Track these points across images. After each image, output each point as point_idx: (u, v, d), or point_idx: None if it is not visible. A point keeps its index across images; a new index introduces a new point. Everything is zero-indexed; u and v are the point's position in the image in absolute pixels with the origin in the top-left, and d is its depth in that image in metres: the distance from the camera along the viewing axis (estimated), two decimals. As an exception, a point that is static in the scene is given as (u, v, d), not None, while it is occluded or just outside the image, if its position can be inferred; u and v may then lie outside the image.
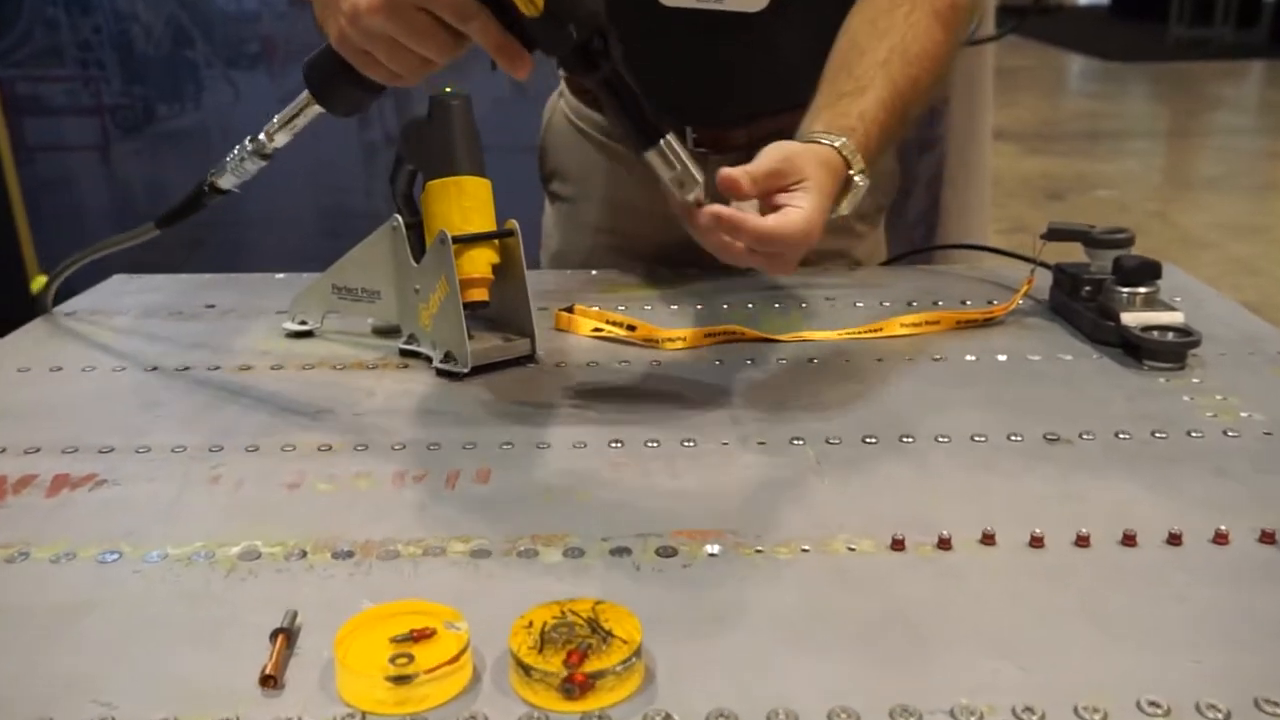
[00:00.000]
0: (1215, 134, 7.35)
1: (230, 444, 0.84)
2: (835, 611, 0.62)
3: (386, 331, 1.08)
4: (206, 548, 0.69)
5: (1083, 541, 0.69)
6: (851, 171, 0.90)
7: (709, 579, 0.66)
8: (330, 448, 0.84)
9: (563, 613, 0.59)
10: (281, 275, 1.27)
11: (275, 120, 0.93)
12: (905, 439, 0.83)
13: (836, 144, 0.90)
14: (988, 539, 0.69)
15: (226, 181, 0.97)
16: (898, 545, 0.68)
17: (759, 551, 0.68)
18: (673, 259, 1.33)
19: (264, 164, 0.95)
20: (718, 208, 0.80)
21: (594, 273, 1.30)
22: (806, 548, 0.69)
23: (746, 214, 0.79)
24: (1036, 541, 0.68)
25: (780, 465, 0.80)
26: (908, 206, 2.68)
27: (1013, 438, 0.83)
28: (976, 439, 0.83)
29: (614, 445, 0.83)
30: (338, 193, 3.03)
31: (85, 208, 3.13)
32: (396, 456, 0.82)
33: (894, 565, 0.67)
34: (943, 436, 0.83)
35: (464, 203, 0.97)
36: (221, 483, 0.78)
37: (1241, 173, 5.99)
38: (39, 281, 1.22)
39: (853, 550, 0.68)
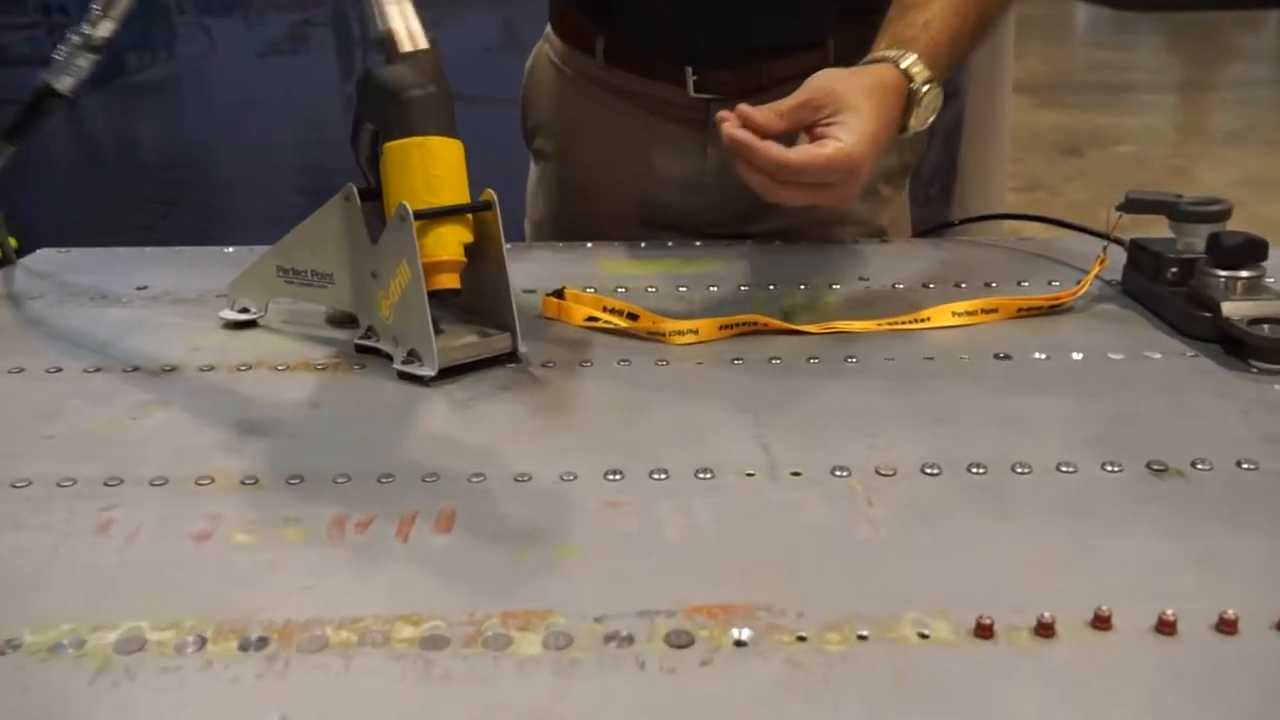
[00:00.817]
0: (1234, 86, 7.10)
1: (132, 475, 0.67)
2: (909, 736, 0.46)
3: (343, 321, 0.91)
4: (76, 632, 0.53)
5: (1228, 626, 0.52)
6: (914, 85, 0.85)
7: (737, 684, 0.49)
8: (256, 481, 0.67)
9: (538, 753, 0.43)
10: (231, 250, 1.10)
11: (96, 6, 0.84)
12: (975, 469, 0.67)
13: (894, 58, 0.84)
14: (1101, 622, 0.52)
15: (63, 84, 0.87)
16: (984, 631, 0.52)
17: (801, 640, 0.52)
18: (679, 225, 1.15)
19: (97, 58, 0.86)
20: (733, 129, 0.78)
21: (589, 245, 1.13)
22: (864, 633, 0.52)
23: (764, 142, 0.78)
24: (1166, 626, 0.52)
25: (821, 506, 0.63)
26: (923, 161, 2.50)
27: (1109, 468, 0.67)
28: (1064, 469, 0.67)
29: (611, 477, 0.67)
30: (322, 148, 2.85)
31: (51, 165, 2.95)
32: (338, 494, 0.65)
33: (984, 661, 0.50)
34: (1022, 466, 0.67)
35: (430, 170, 0.80)
36: (112, 532, 0.61)
37: (1263, 126, 5.77)
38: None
39: (925, 637, 0.52)
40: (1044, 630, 0.52)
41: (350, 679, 0.50)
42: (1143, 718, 0.47)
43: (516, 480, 0.67)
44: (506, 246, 0.83)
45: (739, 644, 0.52)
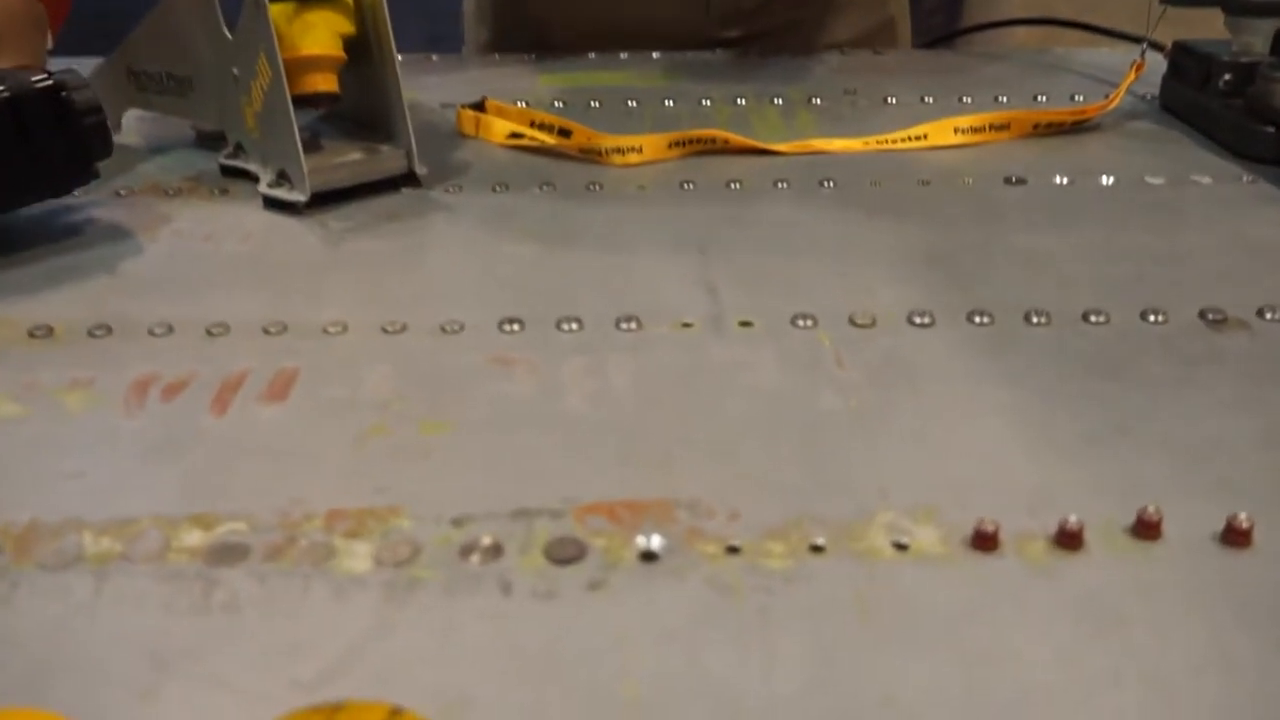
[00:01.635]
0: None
1: (-112, 325, 0.52)
2: (886, 696, 0.32)
3: (215, 138, 0.75)
4: None
5: (1321, 534, 0.38)
6: None
7: (636, 617, 0.35)
8: (49, 332, 0.52)
9: (320, 736, 0.29)
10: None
11: None
12: (978, 319, 0.52)
13: None
14: (1146, 529, 0.38)
15: None
16: (985, 541, 0.37)
17: (733, 552, 0.38)
18: (647, 33, 0.98)
19: None
20: None
21: (531, 57, 0.96)
22: (820, 543, 0.38)
23: None
24: (1237, 535, 0.38)
25: (776, 367, 0.48)
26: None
27: (1151, 318, 0.52)
28: (1093, 319, 0.51)
29: (508, 328, 0.51)
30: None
31: None
32: (151, 349, 0.50)
33: (983, 584, 0.36)
34: (1038, 315, 0.52)
35: (293, -66, 0.63)
36: None
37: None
38: None
39: (904, 549, 0.38)
40: (1067, 540, 0.37)
41: (97, 610, 0.36)
42: (1202, 661, 0.33)
43: (385, 331, 0.51)
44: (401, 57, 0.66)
45: (646, 557, 0.37)
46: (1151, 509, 0.38)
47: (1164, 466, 0.42)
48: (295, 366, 0.49)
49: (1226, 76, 0.74)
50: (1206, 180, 0.67)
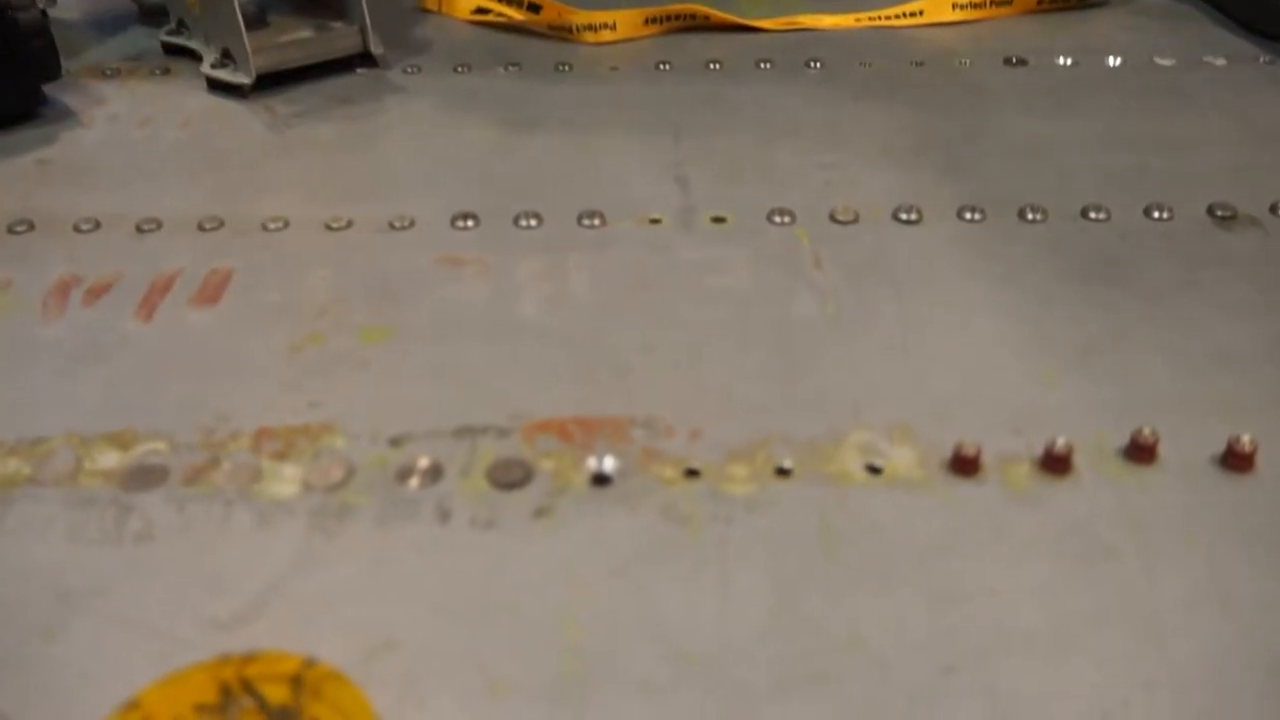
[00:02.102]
0: None
1: None
2: (850, 639, 0.30)
3: (156, 13, 0.69)
4: None
5: (1330, 457, 0.35)
6: None
7: (583, 550, 0.32)
8: (-34, 228, 0.48)
9: (226, 691, 0.26)
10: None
11: None
12: (969, 215, 0.48)
13: None
14: (1141, 452, 0.35)
15: None
16: (966, 464, 0.35)
17: (692, 476, 0.35)
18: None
19: None
20: None
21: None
22: (786, 465, 0.35)
23: None
24: (1238, 459, 0.35)
25: (749, 268, 0.45)
26: None
27: (1155, 214, 0.48)
28: (1093, 215, 0.48)
29: (461, 224, 0.48)
30: None
31: None
32: (76, 246, 0.47)
33: (963, 511, 0.33)
34: (1034, 211, 0.48)
35: None
36: None
37: None
38: None
39: (877, 472, 0.35)
40: (1054, 464, 0.35)
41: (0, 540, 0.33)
42: (1195, 598, 0.31)
43: (328, 228, 0.48)
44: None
45: (598, 480, 0.35)
46: (1147, 431, 0.35)
47: (1163, 381, 0.38)
48: (230, 267, 0.45)
49: (1247, -54, 0.68)
50: (1220, 62, 0.63)
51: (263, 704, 0.26)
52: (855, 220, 0.47)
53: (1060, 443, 0.34)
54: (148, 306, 0.43)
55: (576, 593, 0.31)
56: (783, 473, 0.35)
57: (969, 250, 0.46)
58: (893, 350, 0.40)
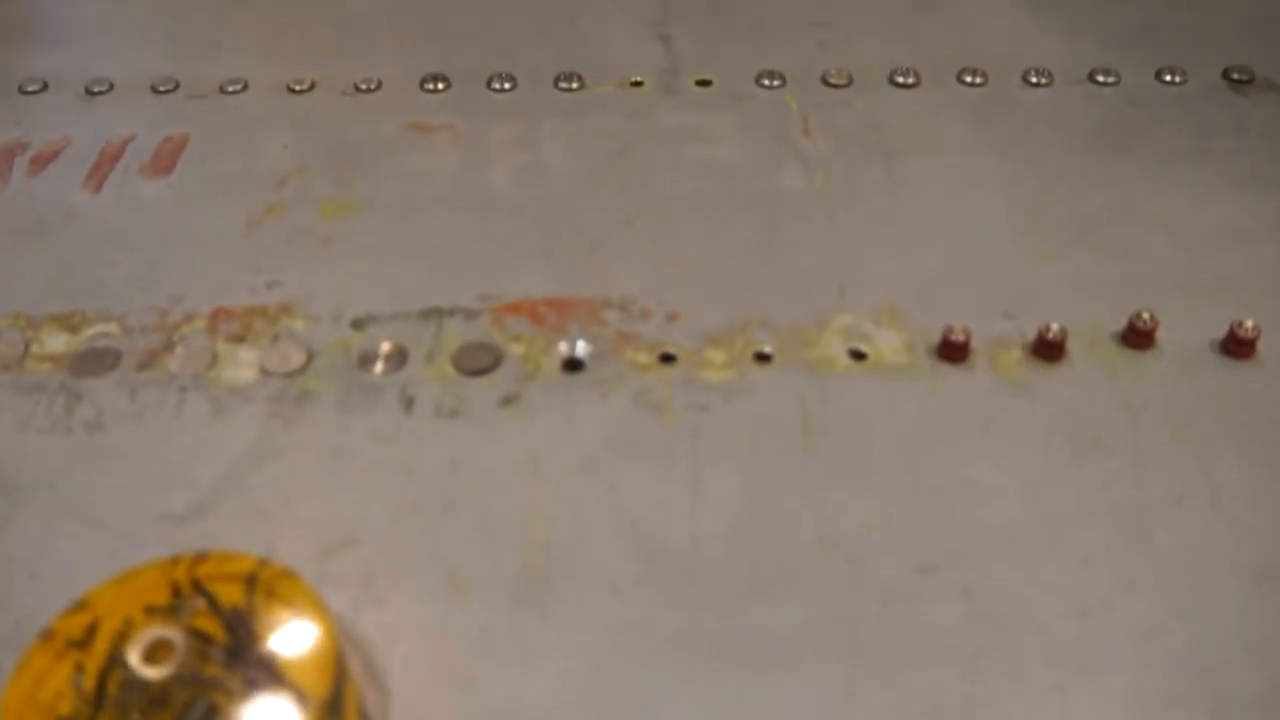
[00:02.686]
0: None
1: None
2: (826, 537, 0.29)
3: None
4: None
5: (1335, 343, 0.33)
6: None
7: (553, 439, 0.31)
8: (-95, 88, 0.45)
9: (177, 592, 0.25)
10: None
11: None
12: (969, 78, 0.45)
13: None
14: (1139, 337, 0.33)
15: None
16: (954, 350, 0.33)
17: (667, 361, 0.33)
18: None
19: None
20: None
21: None
22: (766, 351, 0.33)
23: None
24: (1239, 345, 0.33)
25: (735, 134, 0.42)
26: None
27: (1168, 76, 0.45)
28: (1100, 79, 0.45)
29: (430, 87, 0.45)
30: None
31: None
32: (22, 109, 0.44)
33: (950, 399, 0.32)
34: (1038, 74, 0.45)
35: None
36: None
37: None
38: None
39: (861, 358, 0.33)
40: (1047, 350, 0.33)
41: (-66, 427, 0.31)
42: (1184, 491, 0.30)
43: (290, 90, 0.45)
44: None
45: (570, 366, 0.33)
46: (1146, 315, 0.33)
47: (1165, 259, 0.37)
48: (185, 133, 0.43)
49: None
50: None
51: (215, 605, 0.25)
52: (849, 84, 0.45)
53: (1054, 328, 0.33)
54: (97, 177, 0.40)
55: (544, 486, 0.30)
56: (762, 358, 0.33)
57: (967, 116, 0.43)
58: (882, 226, 0.38)
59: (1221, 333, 0.33)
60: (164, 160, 0.41)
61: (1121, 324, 0.34)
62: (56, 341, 0.34)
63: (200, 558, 0.26)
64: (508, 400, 0.32)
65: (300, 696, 0.23)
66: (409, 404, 0.32)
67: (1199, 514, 0.29)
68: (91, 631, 0.24)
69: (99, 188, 0.40)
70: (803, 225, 0.38)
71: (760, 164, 0.41)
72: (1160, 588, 0.27)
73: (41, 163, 0.41)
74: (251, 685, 0.23)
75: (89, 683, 0.23)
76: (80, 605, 0.25)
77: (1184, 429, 0.31)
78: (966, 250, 0.37)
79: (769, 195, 0.39)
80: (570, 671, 0.26)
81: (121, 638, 0.24)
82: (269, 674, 0.24)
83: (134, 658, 0.24)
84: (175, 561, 0.26)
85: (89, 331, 0.34)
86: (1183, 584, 0.27)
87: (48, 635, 0.24)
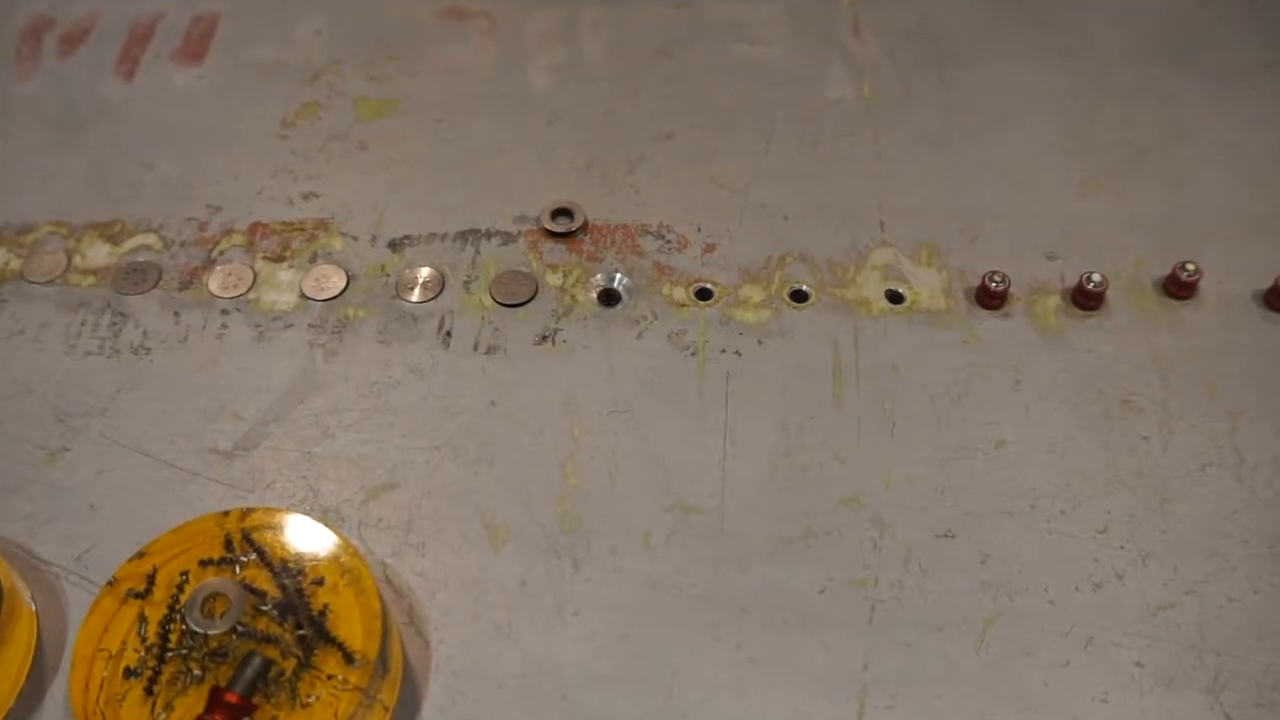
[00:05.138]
0: None
1: None
2: (850, 495, 0.29)
3: None
4: None
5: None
6: None
7: (588, 382, 0.31)
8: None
9: (229, 545, 0.26)
10: None
11: None
12: (1033, -31, 0.43)
13: None
14: (1181, 287, 0.33)
15: None
16: (992, 297, 0.33)
17: (703, 298, 0.33)
18: None
19: None
20: None
21: None
22: (804, 288, 0.33)
23: None
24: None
25: (781, 29, 0.41)
26: None
27: (1245, -26, 0.42)
28: (1173, -26, 0.42)
29: (467, -37, 0.43)
30: None
31: None
32: (43, -21, 0.43)
33: (980, 355, 0.32)
34: (1108, -34, 0.42)
35: None
36: None
37: None
38: None
39: (898, 300, 0.33)
40: (1087, 299, 0.33)
41: (-7, 345, 0.32)
42: (1210, 460, 0.30)
43: (321, -37, 0.43)
44: None
45: (606, 299, 0.33)
46: (1190, 267, 0.33)
47: (1217, 193, 0.36)
48: (215, 12, 0.41)
49: None
50: None
51: (266, 560, 0.26)
52: (905, -27, 0.42)
53: (1095, 278, 0.32)
54: (128, 61, 0.39)
55: (578, 431, 0.30)
56: (799, 297, 0.33)
57: (1025, 17, 0.41)
58: (929, 149, 0.37)
59: (1266, 283, 0.33)
60: (195, 45, 0.40)
61: (1165, 269, 0.33)
62: (98, 254, 0.34)
63: (248, 511, 0.27)
64: (544, 337, 0.32)
65: (349, 654, 0.25)
66: (447, 338, 0.32)
67: (1221, 483, 0.29)
68: (151, 582, 0.26)
69: (131, 74, 0.39)
70: (847, 143, 0.37)
71: (806, 69, 0.39)
72: (1174, 562, 0.28)
73: (71, 43, 0.40)
74: (304, 642, 0.25)
75: (151, 633, 0.25)
76: (140, 555, 0.26)
77: (1216, 388, 0.31)
78: (1013, 180, 0.36)
79: (814, 108, 0.38)
80: (602, 625, 0.27)
81: (180, 590, 0.26)
82: (319, 631, 0.25)
83: (193, 611, 0.25)
84: (226, 514, 0.27)
85: (129, 243, 0.34)
86: (1197, 558, 0.28)
87: (112, 584, 0.26)
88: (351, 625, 0.25)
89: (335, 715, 0.24)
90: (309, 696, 0.24)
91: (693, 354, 0.32)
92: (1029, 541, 0.28)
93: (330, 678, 0.24)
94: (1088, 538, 0.28)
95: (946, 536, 0.28)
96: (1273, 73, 0.39)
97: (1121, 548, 0.28)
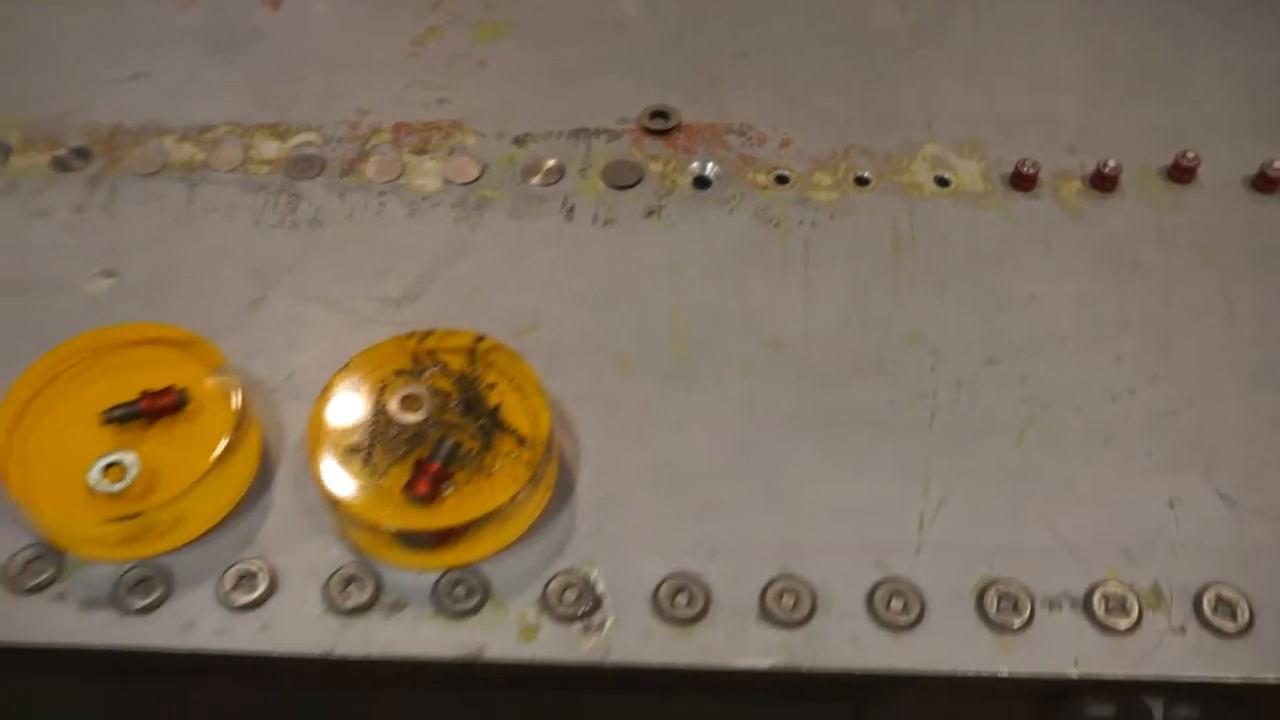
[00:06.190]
0: None
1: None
2: (912, 333, 0.36)
3: None
4: None
5: None
6: None
7: (690, 248, 0.38)
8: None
9: (416, 359, 0.33)
10: None
11: None
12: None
13: None
14: (1182, 172, 0.39)
15: None
16: (1024, 181, 0.39)
17: (782, 182, 0.39)
18: None
19: None
20: None
21: None
22: (865, 175, 0.40)
23: None
24: (1269, 181, 0.39)
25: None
26: None
27: (1238, -80, 0.49)
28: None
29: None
30: None
31: None
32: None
33: (1015, 227, 0.38)
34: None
35: None
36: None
37: None
38: None
39: (945, 184, 0.39)
40: (1102, 182, 0.39)
41: (192, 219, 0.38)
42: (1205, 307, 0.36)
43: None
44: None
45: (700, 184, 0.40)
46: (1190, 154, 0.39)
47: (1215, 103, 0.42)
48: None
49: None
50: None
51: (447, 369, 0.32)
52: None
53: (1111, 163, 0.39)
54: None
55: (684, 286, 0.37)
56: (861, 182, 0.39)
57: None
58: (966, 66, 0.43)
59: (1255, 170, 0.39)
60: (331, -23, 0.46)
61: (1168, 160, 0.40)
62: (269, 148, 0.40)
63: (428, 333, 0.33)
64: (650, 212, 0.39)
65: (521, 438, 0.31)
66: (570, 213, 0.39)
67: (1215, 326, 0.36)
68: (359, 384, 0.32)
69: (277, 5, 0.45)
70: (895, 63, 0.43)
71: (855, 2, 0.46)
72: (1176, 382, 0.34)
73: (220, -23, 0.46)
74: (484, 430, 0.31)
75: (366, 416, 0.31)
76: (346, 367, 0.32)
77: (1211, 254, 0.38)
78: (1040, 93, 0.42)
79: (866, 33, 0.44)
80: (712, 433, 0.33)
81: (382, 392, 0.32)
82: (495, 421, 0.31)
83: (394, 406, 0.31)
84: (409, 336, 0.33)
85: (295, 140, 0.41)
86: (1194, 380, 0.34)
87: (328, 388, 0.32)
88: (519, 419, 0.31)
89: (514, 479, 0.30)
90: (493, 468, 0.31)
91: (775, 225, 0.38)
92: (1059, 367, 0.35)
93: (508, 453, 0.31)
94: (1106, 365, 0.35)
95: (991, 363, 0.35)
96: (1270, 3, 0.45)
97: (1133, 372, 0.35)
